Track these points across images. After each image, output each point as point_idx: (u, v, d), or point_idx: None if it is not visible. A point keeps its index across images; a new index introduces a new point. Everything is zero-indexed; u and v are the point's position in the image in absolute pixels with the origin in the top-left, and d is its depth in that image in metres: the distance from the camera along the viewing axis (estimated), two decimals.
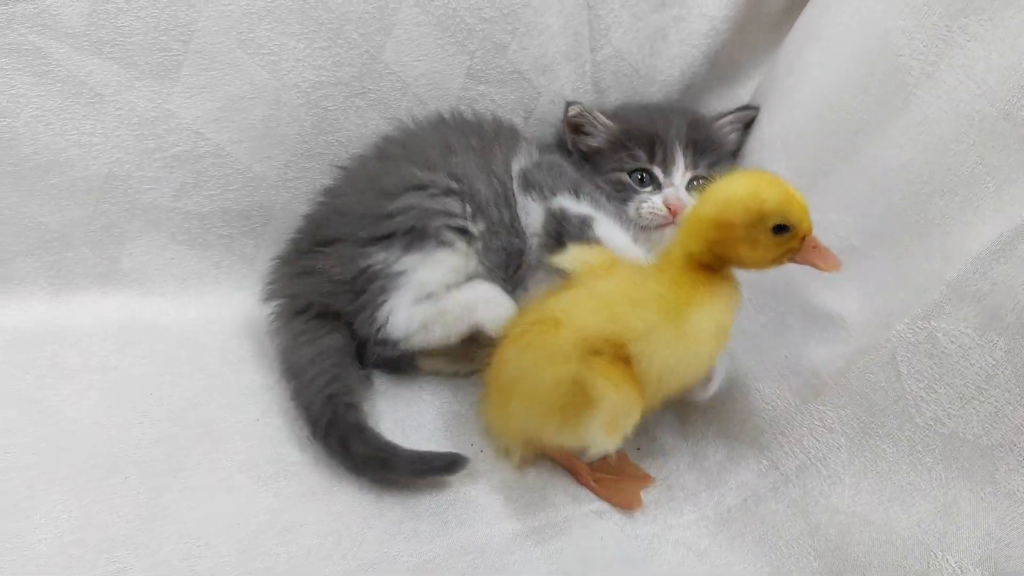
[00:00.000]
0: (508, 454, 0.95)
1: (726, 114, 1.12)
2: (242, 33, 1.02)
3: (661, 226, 1.05)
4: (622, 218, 1.02)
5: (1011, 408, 0.74)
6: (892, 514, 0.80)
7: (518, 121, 1.16)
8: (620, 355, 0.77)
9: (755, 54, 1.20)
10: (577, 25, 1.13)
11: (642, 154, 1.07)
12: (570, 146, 1.12)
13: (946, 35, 0.84)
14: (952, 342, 0.78)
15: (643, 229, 1.05)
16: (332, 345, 1.01)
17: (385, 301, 1.00)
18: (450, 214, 1.01)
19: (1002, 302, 0.74)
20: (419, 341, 1.02)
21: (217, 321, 1.11)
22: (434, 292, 1.01)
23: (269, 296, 1.08)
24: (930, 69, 0.85)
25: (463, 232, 1.02)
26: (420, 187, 1.01)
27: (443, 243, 1.00)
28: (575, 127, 1.11)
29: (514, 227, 1.05)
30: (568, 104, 1.10)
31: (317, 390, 0.96)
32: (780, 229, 0.75)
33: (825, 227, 0.92)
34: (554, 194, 1.02)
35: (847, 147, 0.93)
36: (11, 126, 1.00)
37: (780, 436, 0.92)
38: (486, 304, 1.00)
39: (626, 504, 0.93)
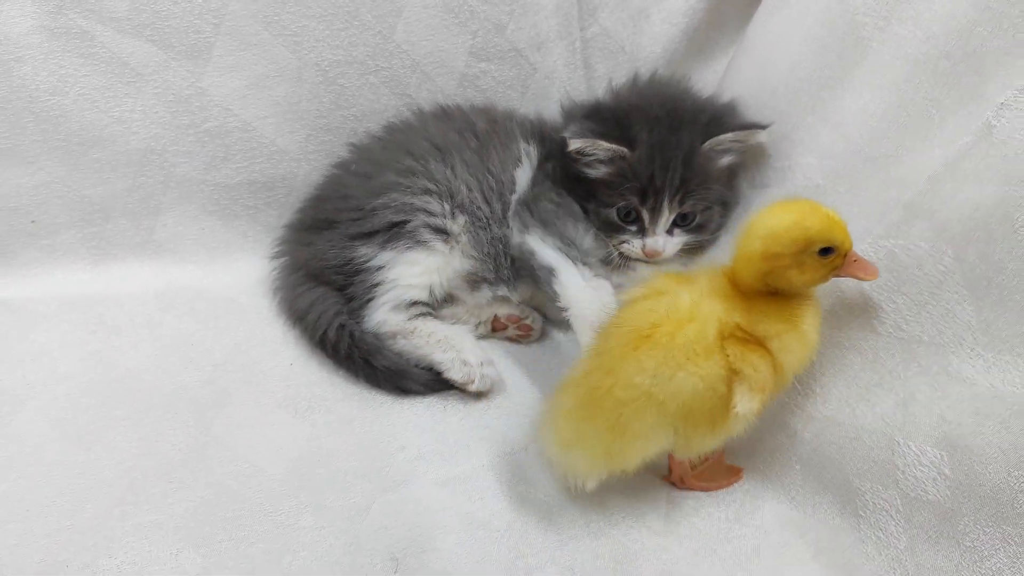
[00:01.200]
0: (584, 480, 0.88)
1: (725, 130, 1.07)
2: (268, 16, 1.13)
3: (635, 261, 1.10)
4: (596, 251, 1.09)
5: (960, 308, 0.84)
6: (859, 413, 0.91)
7: (515, 96, 1.27)
8: (759, 341, 0.83)
9: (728, 31, 1.31)
10: (567, 6, 1.24)
11: (634, 199, 1.06)
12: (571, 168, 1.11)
13: None
14: (908, 255, 0.89)
15: (621, 256, 1.10)
16: (328, 293, 1.11)
17: (371, 299, 1.09)
18: (429, 212, 1.10)
19: (949, 215, 0.85)
20: (394, 346, 1.09)
21: (249, 284, 1.21)
22: (415, 300, 1.10)
23: (275, 256, 1.19)
24: (883, 24, 0.97)
25: (441, 231, 1.10)
26: (398, 188, 1.10)
27: (419, 243, 1.09)
28: (576, 153, 1.08)
29: (506, 219, 1.13)
30: (569, 135, 1.06)
31: (327, 322, 1.08)
32: (825, 251, 0.80)
33: (796, 171, 1.06)
34: (527, 229, 1.09)
35: (814, 101, 1.05)
36: (60, 104, 1.10)
37: None
38: (455, 362, 1.05)
39: (729, 483, 0.98)
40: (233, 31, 1.12)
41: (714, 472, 0.99)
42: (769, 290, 0.83)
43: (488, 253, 1.14)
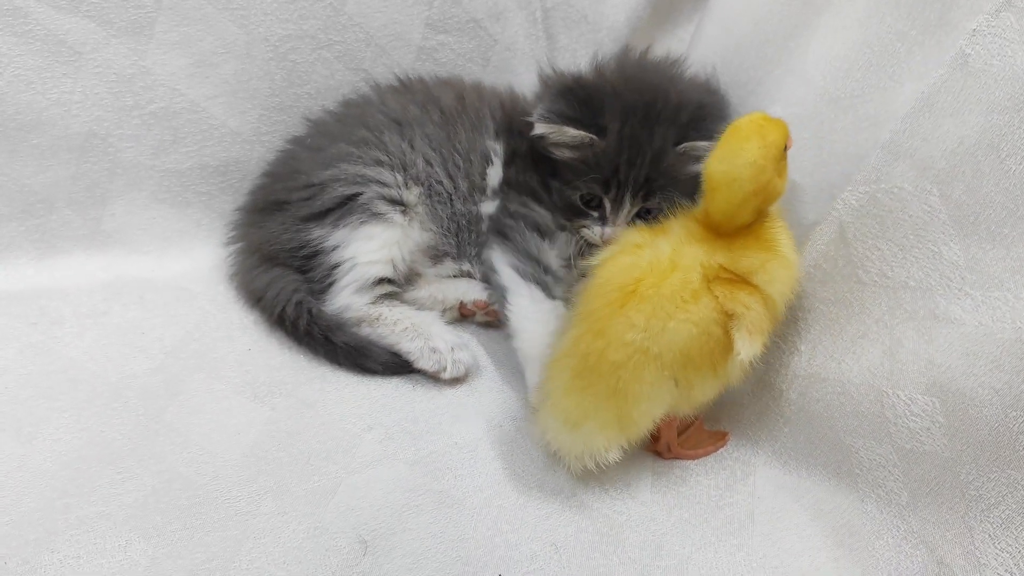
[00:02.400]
0: (605, 454, 0.83)
1: (702, 137, 0.97)
2: None
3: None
4: (557, 263, 1.04)
5: (947, 247, 0.80)
6: (845, 367, 0.86)
7: (476, 69, 1.23)
8: (744, 280, 0.80)
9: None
10: None
11: (597, 188, 1.01)
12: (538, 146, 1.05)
13: None
14: (891, 199, 0.85)
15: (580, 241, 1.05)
16: (286, 272, 1.06)
17: (332, 282, 1.03)
18: (382, 183, 1.05)
19: (931, 152, 0.82)
20: (359, 333, 1.03)
21: (203, 273, 1.15)
22: (378, 277, 1.04)
23: (230, 242, 1.14)
24: None
25: (396, 202, 1.05)
26: (350, 159, 1.05)
27: (375, 215, 1.03)
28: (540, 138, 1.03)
29: (471, 197, 1.09)
30: (535, 119, 0.99)
31: (285, 299, 1.03)
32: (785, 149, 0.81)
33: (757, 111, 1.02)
34: (492, 246, 1.06)
35: (780, 52, 1.02)
36: None
37: None
38: (424, 350, 1.00)
39: (715, 448, 0.94)
40: (176, 5, 1.07)
41: (698, 438, 0.95)
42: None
43: (448, 228, 1.10)
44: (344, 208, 1.04)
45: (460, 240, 1.11)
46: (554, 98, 1.01)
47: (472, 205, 1.10)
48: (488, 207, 1.09)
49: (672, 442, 0.91)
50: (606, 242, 1.01)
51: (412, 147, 1.08)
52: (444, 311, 1.11)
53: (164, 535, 0.78)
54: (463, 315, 1.12)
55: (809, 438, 0.89)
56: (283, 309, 1.03)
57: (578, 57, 1.24)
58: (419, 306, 1.09)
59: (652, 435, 0.88)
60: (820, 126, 0.94)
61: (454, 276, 1.13)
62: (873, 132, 0.88)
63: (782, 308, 0.83)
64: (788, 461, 0.91)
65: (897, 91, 0.87)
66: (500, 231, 1.05)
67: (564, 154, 1.02)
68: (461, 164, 1.09)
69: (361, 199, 1.03)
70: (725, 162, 0.80)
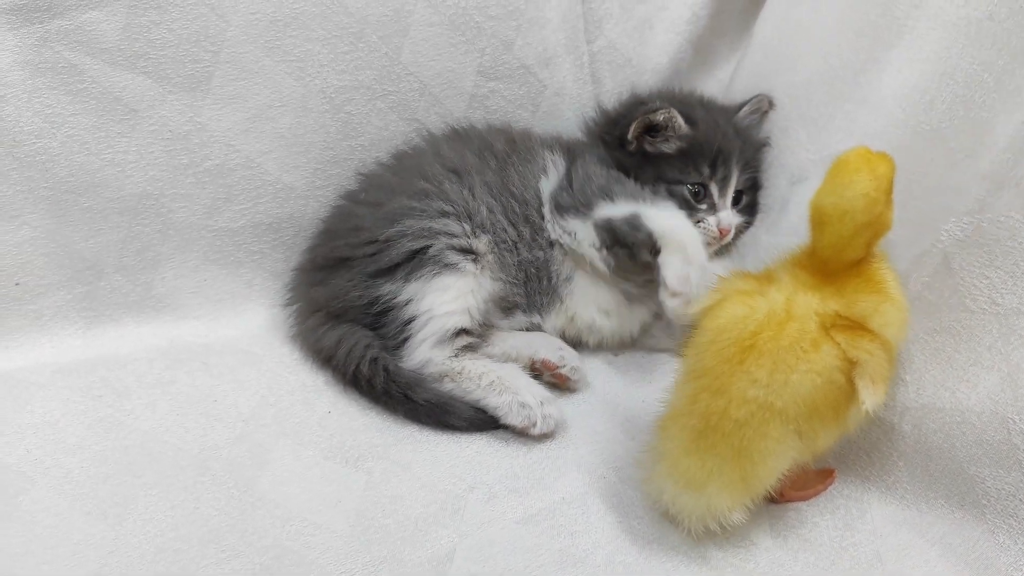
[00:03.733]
0: (728, 515, 0.80)
1: (742, 105, 1.16)
2: (269, 40, 1.05)
3: (708, 244, 1.09)
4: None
5: None
6: (960, 396, 0.85)
7: (526, 116, 1.21)
8: (863, 327, 0.78)
9: (730, 37, 1.30)
10: (573, 18, 1.20)
11: (706, 169, 1.11)
12: (633, 146, 1.12)
13: None
14: (998, 228, 0.85)
15: None
16: (355, 328, 1.02)
17: (408, 337, 1.00)
18: (450, 234, 1.02)
19: None
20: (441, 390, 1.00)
21: (260, 334, 1.11)
22: (458, 329, 1.01)
23: (288, 303, 1.10)
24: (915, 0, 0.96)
25: (467, 252, 1.03)
26: (413, 214, 1.02)
27: (447, 266, 1.01)
28: (652, 127, 1.10)
29: (536, 241, 1.08)
30: (655, 106, 1.09)
31: (358, 357, 0.99)
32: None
33: (832, 146, 1.02)
34: (591, 208, 1.05)
35: (850, 87, 1.02)
36: (47, 147, 0.99)
37: None
38: (512, 405, 0.96)
39: (824, 487, 0.91)
40: (233, 59, 1.04)
41: (806, 479, 0.91)
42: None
43: (516, 277, 1.07)
44: (414, 261, 1.01)
45: (529, 289, 1.09)
46: (652, 97, 1.15)
47: (539, 251, 1.08)
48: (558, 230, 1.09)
49: (784, 486, 0.89)
50: (723, 233, 1.11)
51: (473, 195, 1.06)
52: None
53: None
54: (534, 372, 1.07)
55: (928, 471, 0.87)
56: (357, 367, 0.99)
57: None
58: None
59: None
60: (908, 159, 0.94)
61: (526, 329, 1.10)
62: (971, 163, 0.88)
63: (897, 352, 0.81)
64: (905, 496, 0.89)
65: (991, 121, 0.87)
66: (596, 190, 1.06)
67: (673, 146, 1.11)
68: (518, 208, 1.08)
69: (431, 251, 1.01)
70: (835, 195, 0.78)
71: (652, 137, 1.11)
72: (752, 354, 0.77)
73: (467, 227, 1.03)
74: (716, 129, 1.11)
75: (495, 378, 0.98)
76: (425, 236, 1.01)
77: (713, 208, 1.12)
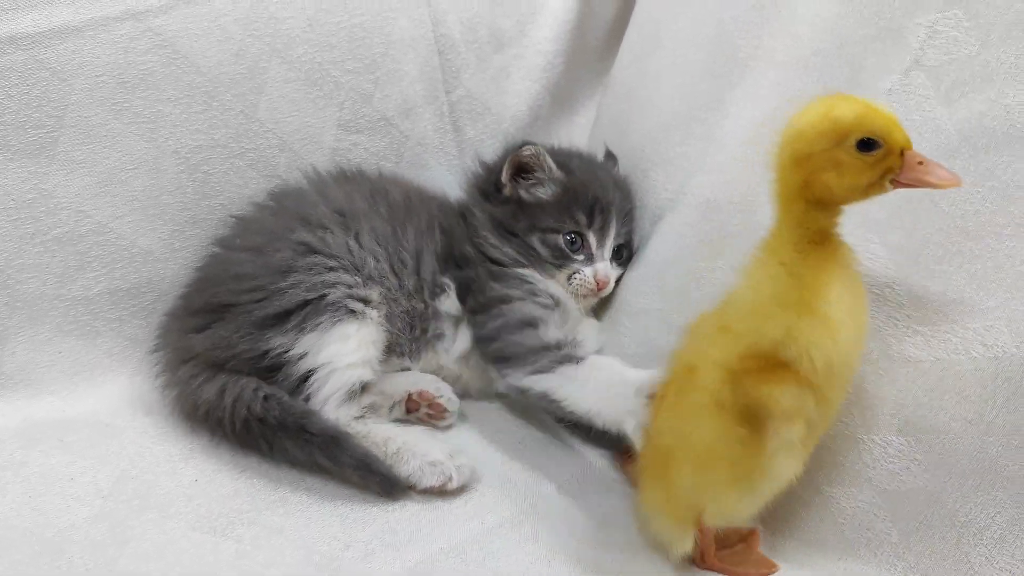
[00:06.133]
0: (673, 544, 0.82)
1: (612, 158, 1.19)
2: (117, 103, 1.03)
3: (585, 296, 1.09)
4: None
5: (889, 290, 0.85)
6: None
7: (390, 167, 1.22)
8: (775, 362, 0.71)
9: (587, 83, 1.35)
10: (431, 70, 1.22)
11: (583, 217, 1.08)
12: (508, 191, 1.10)
13: (763, 11, 1.02)
14: None
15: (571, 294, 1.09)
16: (236, 376, 0.98)
17: (308, 397, 0.97)
18: (346, 283, 1.00)
19: (870, 205, 0.85)
20: None
21: (122, 405, 1.06)
22: (362, 382, 0.99)
23: (156, 348, 1.05)
24: (756, 41, 1.02)
25: (365, 300, 1.01)
26: (301, 269, 0.99)
27: (351, 312, 0.99)
28: (522, 168, 1.09)
29: (419, 293, 1.07)
30: (522, 144, 1.08)
31: (248, 400, 0.95)
32: (867, 145, 0.68)
33: (688, 192, 1.06)
34: (508, 373, 1.01)
35: (700, 124, 1.07)
36: None
37: None
38: (423, 467, 0.94)
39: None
40: (79, 122, 1.01)
41: (744, 557, 0.86)
42: (819, 225, 0.72)
43: (402, 328, 1.07)
44: (308, 309, 0.97)
45: (411, 336, 1.08)
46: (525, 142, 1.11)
47: (419, 303, 1.07)
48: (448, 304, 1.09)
49: (707, 550, 0.83)
50: (601, 285, 1.08)
51: (360, 243, 1.04)
52: (392, 407, 1.06)
53: None
54: (409, 410, 1.07)
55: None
56: (248, 410, 0.94)
57: (485, 147, 1.27)
58: (372, 408, 1.03)
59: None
60: (745, 190, 0.99)
61: (398, 371, 1.10)
62: None
63: (833, 381, 0.73)
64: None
65: None
66: (497, 355, 1.02)
67: (546, 192, 1.09)
68: (408, 262, 1.07)
69: (330, 298, 0.98)
70: (783, 127, 0.72)
71: (524, 179, 1.09)
72: (665, 401, 0.80)
73: (359, 279, 1.01)
74: (593, 178, 1.10)
75: (401, 444, 0.96)
76: (319, 288, 0.98)
77: (591, 259, 1.09)
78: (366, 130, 1.19)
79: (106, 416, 1.04)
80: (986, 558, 0.77)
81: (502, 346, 1.02)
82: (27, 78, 0.98)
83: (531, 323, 1.02)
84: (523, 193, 1.10)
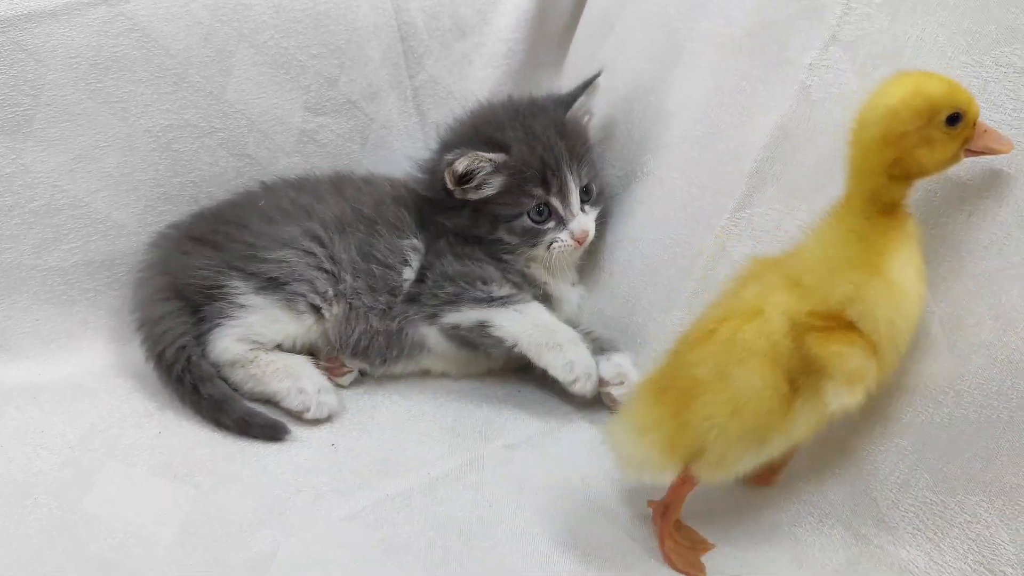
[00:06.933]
0: (644, 465, 0.80)
1: (576, 94, 1.13)
2: (91, 83, 1.08)
3: (572, 256, 1.12)
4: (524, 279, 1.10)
5: None
6: None
7: (355, 148, 1.28)
8: (841, 323, 0.72)
9: (548, 70, 1.38)
10: (395, 55, 1.28)
11: (538, 190, 1.07)
12: (458, 195, 1.08)
13: None
14: (765, 219, 0.97)
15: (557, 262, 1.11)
16: (183, 310, 1.08)
17: (219, 325, 1.06)
18: (314, 289, 1.07)
19: (795, 175, 0.95)
20: (231, 375, 1.07)
21: (96, 370, 1.12)
22: (260, 343, 1.08)
23: (152, 245, 1.14)
24: (692, 23, 1.09)
25: (316, 309, 1.08)
26: (301, 251, 1.08)
27: (290, 308, 1.07)
28: (461, 178, 1.07)
29: (390, 311, 1.10)
30: (450, 158, 1.04)
31: (170, 341, 1.05)
32: (954, 119, 0.71)
33: (638, 171, 1.13)
34: (438, 316, 1.08)
35: (645, 106, 1.14)
36: None
37: None
38: (291, 390, 1.04)
39: (687, 570, 0.82)
40: (54, 101, 1.07)
41: (684, 554, 0.83)
42: (891, 197, 0.74)
43: (356, 344, 1.11)
44: (272, 283, 1.07)
45: (367, 354, 1.12)
46: (450, 143, 1.11)
47: (390, 322, 1.11)
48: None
49: (672, 506, 0.82)
50: (580, 240, 1.08)
51: (347, 255, 1.09)
52: None
53: None
54: None
55: None
56: (164, 349, 1.04)
57: None
58: None
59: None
60: (686, 164, 1.06)
61: None
62: (737, 163, 0.99)
63: (893, 346, 0.74)
64: None
65: (750, 125, 0.99)
66: (445, 300, 1.08)
67: (494, 185, 1.07)
68: (379, 274, 1.10)
69: (288, 289, 1.07)
70: (866, 105, 0.73)
71: (468, 185, 1.07)
72: (715, 336, 0.76)
73: (331, 292, 1.08)
74: (534, 143, 1.07)
75: (282, 365, 1.06)
76: (294, 277, 1.07)
77: (562, 221, 1.08)
78: (332, 112, 1.25)
79: (80, 379, 1.09)
80: (892, 501, 0.82)
81: (453, 293, 1.07)
82: (4, 59, 1.04)
83: (484, 280, 1.08)
84: (472, 196, 1.08)
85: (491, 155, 1.05)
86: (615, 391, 1.04)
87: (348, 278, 1.09)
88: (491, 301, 1.06)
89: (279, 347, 1.10)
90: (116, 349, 1.14)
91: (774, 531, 0.87)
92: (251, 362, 1.06)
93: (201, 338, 1.06)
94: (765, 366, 0.73)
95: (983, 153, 0.74)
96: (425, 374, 1.16)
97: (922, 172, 0.73)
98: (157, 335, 1.06)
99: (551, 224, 1.09)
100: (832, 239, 0.75)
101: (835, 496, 0.86)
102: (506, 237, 1.09)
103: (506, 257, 1.11)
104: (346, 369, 1.12)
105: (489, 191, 1.08)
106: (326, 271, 1.08)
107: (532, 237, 1.09)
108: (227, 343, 1.06)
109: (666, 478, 0.80)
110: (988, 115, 0.79)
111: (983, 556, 0.75)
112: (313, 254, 1.08)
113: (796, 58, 0.97)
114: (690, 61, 1.08)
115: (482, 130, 1.11)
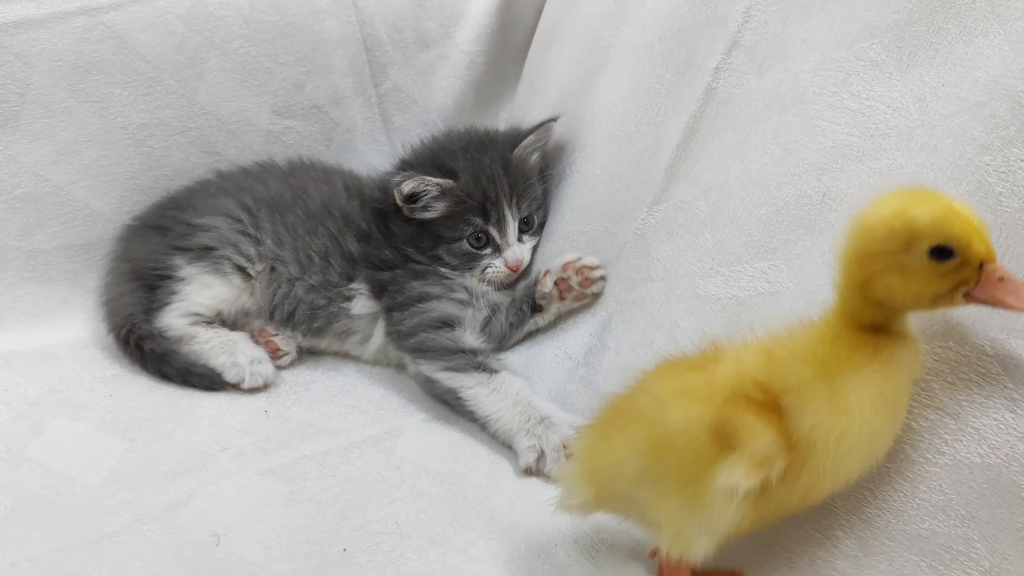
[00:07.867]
0: (577, 498, 0.75)
1: (526, 133, 1.19)
2: (72, 84, 1.20)
3: (505, 280, 1.18)
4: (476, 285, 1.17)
5: (702, 238, 0.98)
6: (638, 355, 1.00)
7: (321, 149, 1.38)
8: (773, 405, 0.66)
9: (508, 80, 1.47)
10: (359, 64, 1.37)
11: (478, 220, 1.15)
12: (407, 212, 1.16)
13: (622, 3, 1.17)
14: (679, 211, 1.03)
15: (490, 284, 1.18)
16: (139, 289, 1.20)
17: (167, 304, 1.18)
18: (239, 251, 1.19)
19: (701, 168, 1.01)
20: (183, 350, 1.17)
21: (71, 341, 1.23)
22: (201, 314, 1.19)
23: (120, 237, 1.27)
24: (615, 31, 1.17)
25: (241, 270, 1.20)
26: (231, 219, 1.20)
27: (217, 271, 1.19)
28: (408, 198, 1.14)
29: (326, 289, 1.20)
30: (398, 180, 1.13)
31: (122, 313, 1.18)
32: (941, 253, 0.61)
33: (568, 170, 1.20)
34: (416, 361, 1.12)
35: (576, 109, 1.22)
36: None
37: None
38: (227, 364, 1.14)
39: None
40: (39, 99, 1.19)
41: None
42: (880, 320, 0.67)
43: (283, 309, 1.22)
44: (203, 252, 1.19)
45: (291, 320, 1.22)
46: (398, 170, 1.19)
47: (320, 299, 1.20)
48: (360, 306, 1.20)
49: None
50: (513, 269, 1.17)
51: (272, 226, 1.22)
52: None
53: (23, 544, 0.83)
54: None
55: None
56: (117, 320, 1.18)
57: (412, 136, 1.40)
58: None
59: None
60: (608, 162, 1.13)
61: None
62: (654, 160, 1.06)
63: (829, 455, 0.65)
64: None
65: (666, 124, 1.06)
66: (415, 348, 1.12)
67: (437, 209, 1.15)
68: (316, 261, 1.20)
69: (216, 253, 1.19)
70: (858, 214, 0.66)
71: (415, 205, 1.15)
72: (671, 364, 0.75)
73: (252, 251, 1.20)
74: (479, 175, 1.15)
75: (219, 342, 1.17)
76: (219, 241, 1.19)
77: (498, 249, 1.17)
78: (299, 116, 1.35)
79: (56, 346, 1.21)
80: None
81: (419, 341, 1.12)
82: None
83: (448, 323, 1.12)
84: (418, 215, 1.16)
85: (438, 180, 1.13)
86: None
87: (269, 242, 1.21)
88: (464, 361, 1.08)
89: (223, 324, 1.21)
90: (91, 326, 1.25)
91: None
92: (193, 338, 1.17)
93: (151, 314, 1.18)
94: (697, 408, 0.68)
95: (988, 304, 0.63)
96: (346, 356, 1.26)
97: (895, 303, 0.65)
98: (112, 309, 1.19)
99: (488, 251, 1.18)
100: (815, 329, 0.70)
101: None
102: (446, 257, 1.17)
103: (451, 274, 1.18)
104: (282, 352, 1.22)
105: (433, 213, 1.16)
106: (249, 235, 1.20)
107: (469, 260, 1.17)
108: (171, 319, 1.17)
109: (583, 509, 0.76)
110: (846, 104, 0.86)
111: None
112: (239, 220, 1.21)
113: (703, 62, 1.04)
114: (612, 66, 1.16)
115: (438, 156, 1.20)
